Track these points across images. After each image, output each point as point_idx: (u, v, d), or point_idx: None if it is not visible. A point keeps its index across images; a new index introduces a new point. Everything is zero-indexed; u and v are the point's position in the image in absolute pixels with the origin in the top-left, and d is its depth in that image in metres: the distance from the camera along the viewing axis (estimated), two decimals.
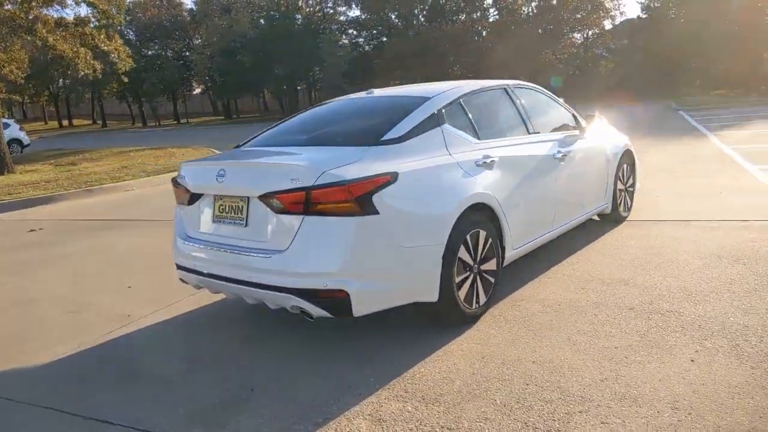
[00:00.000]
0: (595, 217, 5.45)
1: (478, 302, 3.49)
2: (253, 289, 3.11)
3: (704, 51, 31.92)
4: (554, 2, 39.24)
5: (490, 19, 42.33)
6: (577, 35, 40.54)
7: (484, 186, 3.51)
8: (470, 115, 3.77)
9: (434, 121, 3.49)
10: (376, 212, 2.90)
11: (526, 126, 4.28)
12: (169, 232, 4.00)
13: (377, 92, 4.25)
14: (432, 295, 3.18)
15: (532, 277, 4.23)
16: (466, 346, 3.22)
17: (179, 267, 3.62)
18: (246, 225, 3.18)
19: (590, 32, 39.68)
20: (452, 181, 3.34)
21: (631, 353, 2.98)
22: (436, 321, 3.42)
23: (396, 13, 44.01)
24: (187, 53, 49.78)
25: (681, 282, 3.91)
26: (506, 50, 37.53)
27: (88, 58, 16.21)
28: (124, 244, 6.62)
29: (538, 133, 4.37)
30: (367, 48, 45.46)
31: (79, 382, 3.21)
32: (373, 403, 2.71)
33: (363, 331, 3.49)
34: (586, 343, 3.14)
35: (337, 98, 4.62)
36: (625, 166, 5.57)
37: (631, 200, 5.88)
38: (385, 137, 3.27)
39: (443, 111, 3.59)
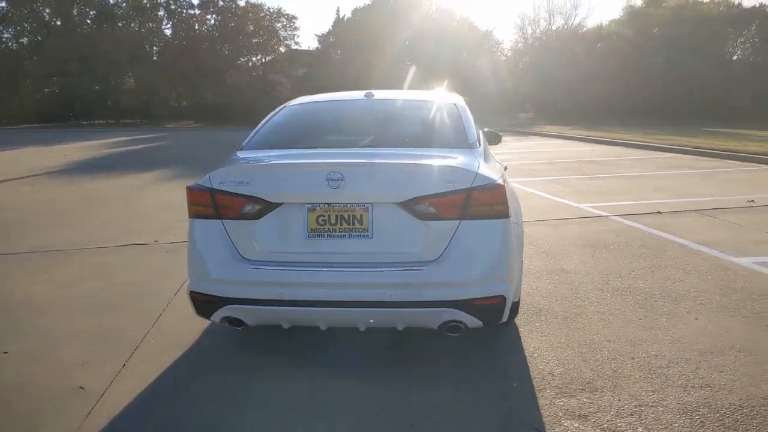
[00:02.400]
0: None
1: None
2: (388, 310, 2.70)
3: (359, 86, 36.87)
4: (232, 24, 39.91)
5: (167, 33, 40.46)
6: (256, 59, 42.03)
7: None
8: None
9: (477, 126, 3.59)
10: (510, 214, 2.90)
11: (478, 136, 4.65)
12: None
13: (378, 94, 3.99)
14: (519, 293, 3.29)
15: None
16: (540, 340, 3.42)
17: (233, 301, 2.81)
18: (371, 236, 2.74)
19: (268, 58, 41.63)
20: (512, 186, 3.51)
21: (656, 321, 3.67)
22: (503, 322, 3.50)
23: (50, 9, 38.07)
24: None
25: (597, 266, 4.86)
26: (186, 66, 36.51)
27: None
28: None
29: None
30: (15, 47, 37.95)
31: None
32: (549, 405, 2.73)
33: (422, 354, 3.35)
34: (617, 319, 3.71)
35: (324, 97, 4.16)
36: None
37: None
38: (470, 141, 3.24)
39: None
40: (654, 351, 3.25)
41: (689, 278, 4.50)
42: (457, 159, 2.94)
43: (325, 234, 2.76)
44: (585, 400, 2.76)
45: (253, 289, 2.78)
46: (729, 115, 32.62)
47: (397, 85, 36.91)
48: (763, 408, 2.65)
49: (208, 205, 2.87)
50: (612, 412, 2.65)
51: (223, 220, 2.85)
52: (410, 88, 36.86)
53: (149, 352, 3.38)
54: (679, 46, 37.30)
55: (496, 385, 2.93)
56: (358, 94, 4.02)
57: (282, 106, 3.97)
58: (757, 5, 38.10)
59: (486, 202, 2.75)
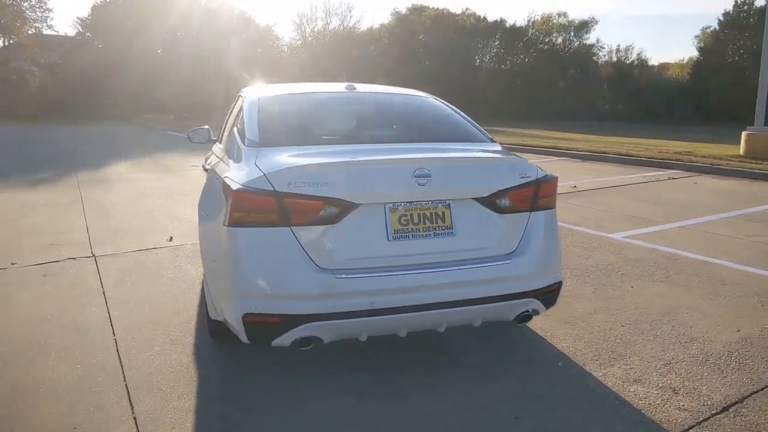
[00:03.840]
0: None
1: None
2: (476, 307, 2.66)
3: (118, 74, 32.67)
4: None
5: None
6: None
7: None
8: None
9: None
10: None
11: None
12: None
13: (360, 87, 3.77)
14: None
15: None
16: (538, 320, 3.66)
17: (315, 318, 2.48)
18: (455, 234, 2.66)
19: (12, 41, 35.28)
20: None
21: (607, 292, 4.23)
22: None
23: None
24: None
25: None
26: None
27: None
28: None
29: None
30: None
31: None
32: (604, 376, 3.00)
33: (446, 358, 3.39)
34: (579, 294, 4.17)
35: (311, 88, 3.84)
36: None
37: None
38: (488, 135, 3.34)
39: None
40: (631, 318, 3.76)
41: (594, 254, 5.24)
42: (506, 153, 3.03)
43: (410, 234, 2.62)
44: (625, 366, 3.10)
45: (341, 302, 2.50)
46: (483, 114, 37.77)
47: (168, 77, 34.37)
48: (743, 348, 3.30)
49: (272, 210, 2.49)
50: (654, 372, 3.03)
51: (293, 227, 2.50)
52: (189, 82, 34.89)
53: (151, 397, 2.77)
54: (441, 52, 41.77)
55: (543, 369, 3.10)
56: (339, 86, 3.81)
57: (254, 97, 3.51)
58: (499, 19, 44.42)
59: (547, 194, 2.90)
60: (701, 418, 2.60)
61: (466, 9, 47.24)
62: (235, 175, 2.71)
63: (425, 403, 2.73)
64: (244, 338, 2.60)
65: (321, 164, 2.60)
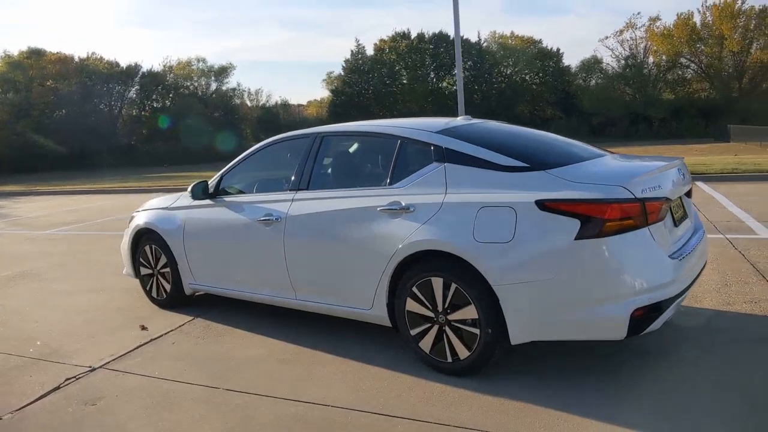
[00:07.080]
0: None
1: None
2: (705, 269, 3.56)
3: None
4: None
5: None
6: None
7: None
8: None
9: None
10: None
11: None
12: None
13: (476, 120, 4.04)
14: None
15: None
16: None
17: (676, 298, 2.99)
18: (688, 218, 3.55)
19: None
20: None
21: None
22: None
23: None
24: None
25: None
26: None
27: None
28: None
29: None
30: None
31: None
32: (718, 305, 4.13)
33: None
34: None
35: (463, 122, 3.89)
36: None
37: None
38: None
39: None
40: None
41: None
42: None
43: (677, 221, 3.34)
44: (720, 297, 4.26)
45: (681, 282, 3.04)
46: (129, 162, 35.62)
47: None
48: (739, 271, 4.90)
49: (637, 215, 2.88)
50: (741, 296, 4.30)
51: (649, 227, 2.94)
52: None
53: None
54: (76, 99, 37.51)
55: (692, 312, 4.04)
56: (460, 120, 4.00)
57: (426, 132, 3.44)
58: (134, 64, 42.39)
59: None
60: None
61: (93, 53, 43.55)
62: (558, 194, 2.89)
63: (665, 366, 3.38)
64: (620, 334, 2.81)
65: (655, 170, 3.18)
